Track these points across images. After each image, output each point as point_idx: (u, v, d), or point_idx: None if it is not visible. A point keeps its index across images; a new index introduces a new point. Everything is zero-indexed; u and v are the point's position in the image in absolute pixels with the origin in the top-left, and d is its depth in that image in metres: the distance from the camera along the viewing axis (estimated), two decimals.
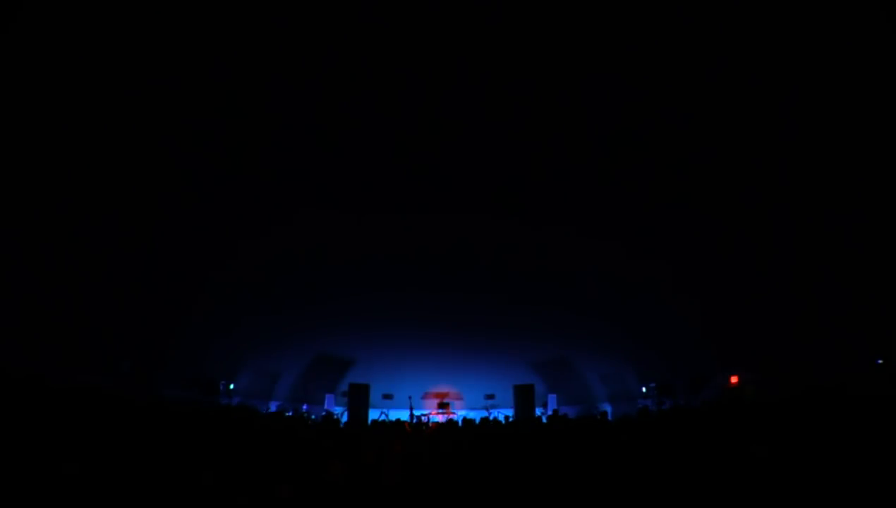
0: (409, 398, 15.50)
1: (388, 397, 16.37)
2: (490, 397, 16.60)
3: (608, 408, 15.08)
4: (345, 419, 15.18)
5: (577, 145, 10.60)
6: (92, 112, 9.01)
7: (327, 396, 16.27)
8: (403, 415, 14.66)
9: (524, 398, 15.74)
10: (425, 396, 16.68)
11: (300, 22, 8.53)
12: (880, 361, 10.78)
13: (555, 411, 15.13)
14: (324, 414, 14.85)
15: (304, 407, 15.80)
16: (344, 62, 9.16)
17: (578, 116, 10.08)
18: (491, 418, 13.80)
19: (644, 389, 15.02)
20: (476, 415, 14.34)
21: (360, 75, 9.43)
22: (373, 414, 15.43)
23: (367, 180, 11.44)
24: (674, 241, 11.84)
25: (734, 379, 13.32)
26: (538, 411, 15.68)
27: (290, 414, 14.38)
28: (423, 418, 14.88)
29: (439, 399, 16.58)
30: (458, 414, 15.41)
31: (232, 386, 14.55)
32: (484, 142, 10.70)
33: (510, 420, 13.89)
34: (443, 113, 10.12)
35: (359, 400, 15.70)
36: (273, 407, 15.33)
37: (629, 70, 9.25)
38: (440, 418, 15.58)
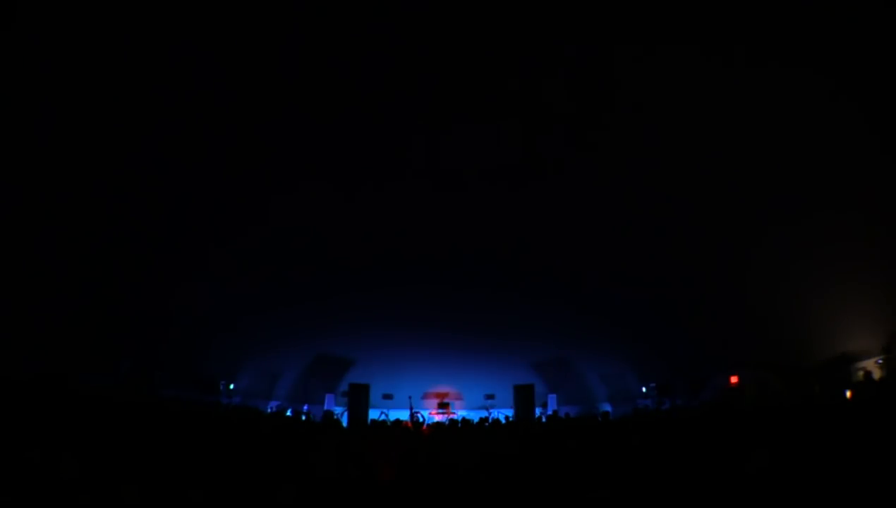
0: (409, 398, 15.50)
1: (388, 397, 16.37)
2: (490, 397, 16.59)
3: (608, 408, 15.06)
4: (345, 419, 15.18)
5: (576, 140, 10.60)
6: (87, 111, 9.01)
7: (327, 396, 16.26)
8: (403, 415, 14.66)
9: (524, 398, 15.72)
10: (425, 396, 16.67)
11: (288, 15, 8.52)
12: (880, 360, 10.77)
13: (555, 411, 15.12)
14: (323, 414, 14.87)
15: (305, 406, 15.81)
16: (342, 55, 9.14)
17: (582, 107, 10.06)
18: (490, 418, 13.82)
19: (644, 389, 15.01)
20: (476, 415, 14.34)
21: (357, 70, 9.43)
22: (373, 414, 15.43)
23: (367, 179, 11.44)
24: (674, 241, 11.83)
25: (734, 379, 13.31)
26: (538, 411, 15.67)
27: (290, 413, 14.40)
28: (418, 416, 14.87)
29: (439, 399, 16.57)
30: (458, 413, 15.40)
31: (232, 386, 14.55)
32: (483, 139, 10.70)
33: (510, 420, 13.88)
34: (441, 105, 10.10)
35: (359, 400, 15.69)
36: (272, 406, 15.34)
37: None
38: (439, 417, 15.57)
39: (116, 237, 10.86)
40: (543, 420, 14.28)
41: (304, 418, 14.20)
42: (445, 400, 16.52)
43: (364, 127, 10.38)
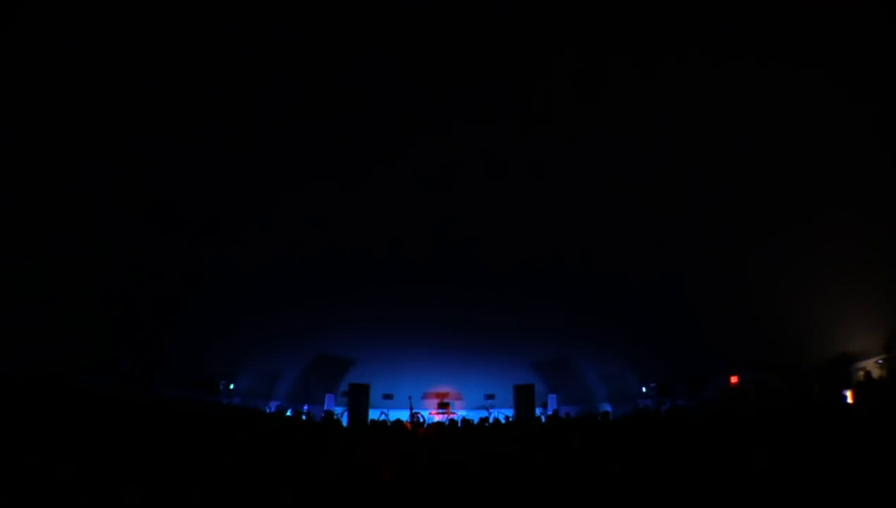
0: (409, 398, 15.48)
1: (388, 397, 16.36)
2: (490, 397, 16.58)
3: (608, 408, 15.06)
4: (345, 419, 15.17)
5: (577, 140, 10.60)
6: (85, 110, 9.00)
7: (327, 396, 16.25)
8: (403, 415, 14.64)
9: (524, 398, 15.72)
10: (425, 396, 16.67)
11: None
12: (880, 360, 10.77)
13: (555, 411, 15.11)
14: (323, 414, 14.85)
15: (305, 407, 15.80)
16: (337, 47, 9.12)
17: (582, 108, 10.06)
18: (491, 418, 13.80)
19: (644, 389, 15.00)
20: (476, 415, 14.33)
21: (358, 70, 9.42)
22: (373, 414, 15.41)
23: (368, 179, 11.44)
24: (673, 240, 11.83)
25: (734, 379, 13.31)
26: (538, 411, 15.66)
27: (290, 413, 14.39)
28: (418, 416, 14.86)
29: (439, 399, 16.57)
30: (458, 413, 15.40)
31: (232, 386, 14.56)
32: (484, 139, 10.70)
33: (510, 420, 13.87)
34: (441, 104, 10.09)
35: (359, 400, 15.68)
36: (273, 407, 15.34)
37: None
38: (439, 417, 15.56)
39: (116, 237, 10.86)
40: (543, 420, 14.27)
41: (304, 418, 14.20)
42: (445, 400, 16.52)
43: (364, 126, 10.38)
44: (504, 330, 14.94)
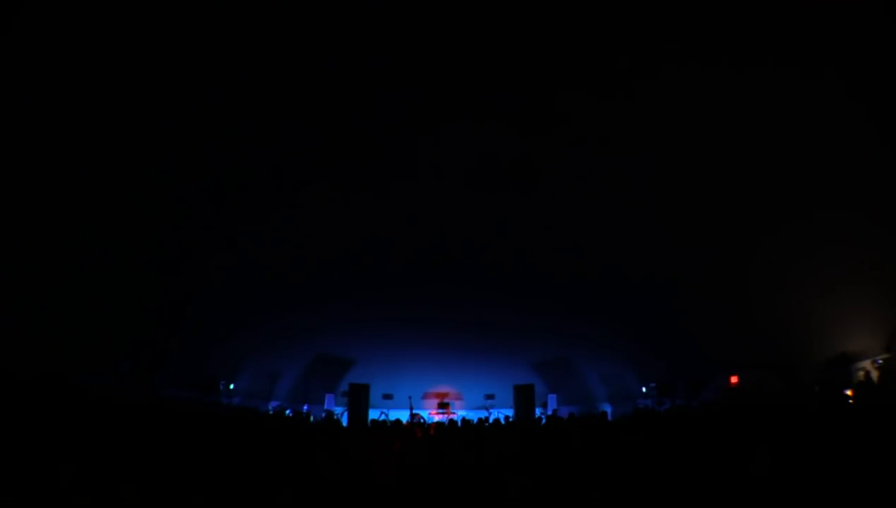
0: (409, 398, 15.49)
1: (388, 397, 16.36)
2: (490, 397, 16.58)
3: (608, 408, 15.06)
4: (345, 419, 15.18)
5: (576, 141, 10.60)
6: (87, 111, 9.00)
7: (327, 396, 16.26)
8: (403, 415, 14.65)
9: (524, 398, 15.72)
10: (425, 396, 16.66)
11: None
12: (880, 361, 10.77)
13: (554, 411, 15.12)
14: (324, 414, 14.86)
15: (305, 407, 15.80)
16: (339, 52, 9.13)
17: (581, 109, 10.06)
18: (491, 418, 13.80)
19: (644, 389, 15.00)
20: (476, 415, 14.33)
21: (357, 72, 9.43)
22: (373, 414, 15.42)
23: (366, 180, 11.44)
24: (674, 241, 11.83)
25: (734, 379, 13.31)
26: (538, 411, 15.66)
27: (290, 413, 14.40)
28: (419, 417, 14.85)
29: (439, 399, 16.56)
30: (458, 414, 15.39)
31: (232, 386, 14.55)
32: (483, 140, 10.70)
33: (510, 420, 13.87)
34: (440, 106, 10.09)
35: (359, 400, 15.69)
36: (272, 407, 15.34)
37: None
38: (438, 417, 15.56)
39: (117, 237, 10.86)
40: (543, 420, 14.26)
41: (311, 418, 14.18)
42: (445, 400, 16.51)
43: (363, 129, 10.39)
44: (504, 330, 14.94)
